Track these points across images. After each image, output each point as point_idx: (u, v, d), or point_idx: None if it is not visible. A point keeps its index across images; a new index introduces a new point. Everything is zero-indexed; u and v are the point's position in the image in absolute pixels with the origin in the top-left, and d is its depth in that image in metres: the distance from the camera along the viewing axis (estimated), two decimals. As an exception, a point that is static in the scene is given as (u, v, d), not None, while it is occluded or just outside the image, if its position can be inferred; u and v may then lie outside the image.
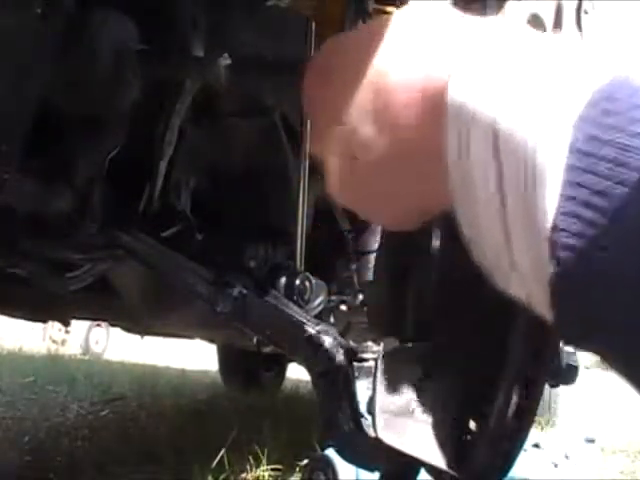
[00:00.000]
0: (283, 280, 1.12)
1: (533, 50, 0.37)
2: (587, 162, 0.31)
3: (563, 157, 0.32)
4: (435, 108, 0.37)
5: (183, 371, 5.70)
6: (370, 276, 1.59)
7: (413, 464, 0.76)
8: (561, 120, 0.33)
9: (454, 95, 0.36)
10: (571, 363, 2.06)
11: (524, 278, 0.34)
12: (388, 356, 0.69)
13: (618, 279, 0.30)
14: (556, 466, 2.49)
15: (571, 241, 0.31)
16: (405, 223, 0.47)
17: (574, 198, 0.31)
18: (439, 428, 0.64)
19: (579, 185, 0.31)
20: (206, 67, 0.98)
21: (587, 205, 0.31)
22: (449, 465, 0.67)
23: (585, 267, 0.31)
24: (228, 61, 0.96)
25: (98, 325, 8.41)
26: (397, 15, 0.43)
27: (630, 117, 0.32)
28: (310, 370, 1.03)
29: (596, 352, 0.33)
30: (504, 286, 0.37)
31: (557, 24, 1.41)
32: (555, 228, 0.32)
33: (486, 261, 0.38)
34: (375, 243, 1.61)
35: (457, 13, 0.43)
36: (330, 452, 1.72)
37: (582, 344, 0.34)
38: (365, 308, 1.45)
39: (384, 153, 0.41)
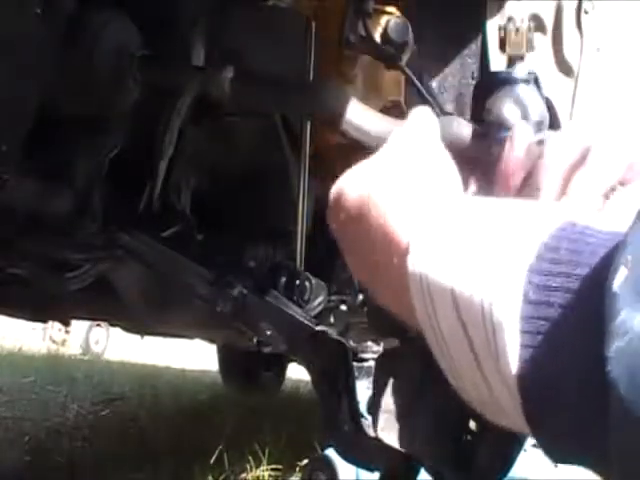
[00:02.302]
0: (283, 280, 1.12)
1: (483, 215, 0.41)
2: (539, 310, 0.35)
3: (518, 309, 0.35)
4: (401, 265, 0.42)
5: (183, 371, 5.70)
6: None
7: (413, 464, 0.76)
8: (512, 275, 0.36)
9: (414, 266, 0.41)
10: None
11: (509, 415, 0.38)
12: (388, 356, 0.69)
13: (578, 421, 0.34)
14: (556, 466, 2.50)
15: (533, 385, 0.35)
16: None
17: (531, 346, 0.35)
18: (439, 428, 0.64)
19: (535, 333, 0.35)
20: (209, 79, 0.98)
21: (543, 350, 0.35)
22: (449, 465, 0.67)
23: (547, 406, 0.35)
24: (231, 74, 0.95)
25: (98, 325, 8.40)
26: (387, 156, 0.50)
27: (574, 263, 0.35)
28: (310, 370, 1.03)
29: (583, 466, 0.36)
30: (496, 421, 0.41)
31: (557, 24, 1.41)
32: (519, 376, 0.35)
33: (472, 400, 0.41)
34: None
35: (436, 159, 0.49)
36: (330, 452, 1.72)
37: (566, 463, 0.37)
38: (365, 308, 1.45)
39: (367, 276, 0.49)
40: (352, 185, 0.49)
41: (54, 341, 8.79)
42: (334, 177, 0.51)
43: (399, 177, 0.47)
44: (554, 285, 0.35)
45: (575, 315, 0.34)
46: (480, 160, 0.54)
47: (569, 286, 0.34)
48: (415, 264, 0.41)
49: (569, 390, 0.34)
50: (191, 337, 2.43)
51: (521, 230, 0.38)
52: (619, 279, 0.31)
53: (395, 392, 0.68)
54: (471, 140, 0.50)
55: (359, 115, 0.87)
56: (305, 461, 2.11)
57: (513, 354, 0.35)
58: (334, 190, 0.51)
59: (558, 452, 0.36)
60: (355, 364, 1.00)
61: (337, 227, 0.51)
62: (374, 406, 0.70)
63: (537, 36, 1.40)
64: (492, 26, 1.32)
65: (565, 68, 1.42)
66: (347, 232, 0.49)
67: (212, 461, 2.13)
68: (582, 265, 0.35)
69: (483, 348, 0.37)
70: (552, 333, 0.34)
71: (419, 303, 0.41)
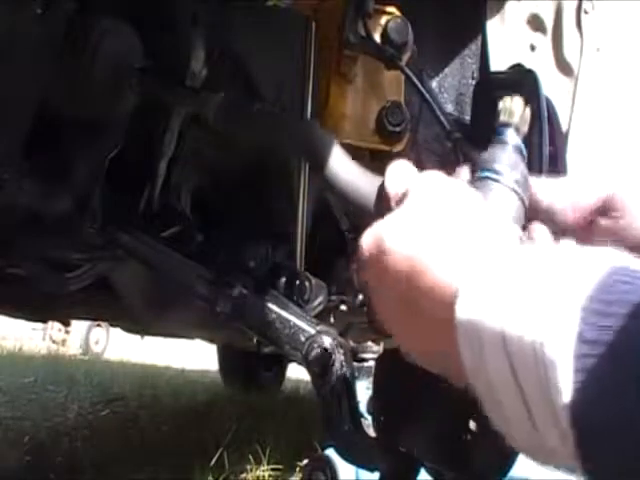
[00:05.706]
0: (283, 280, 1.12)
1: (533, 257, 0.42)
2: (593, 349, 0.35)
3: (571, 347, 0.36)
4: (447, 316, 0.42)
5: (183, 371, 5.70)
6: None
7: (413, 464, 0.76)
8: (564, 316, 0.37)
9: (463, 311, 0.41)
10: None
11: (560, 458, 0.38)
12: (388, 356, 0.69)
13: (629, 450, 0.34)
14: (556, 466, 2.49)
15: (587, 424, 0.35)
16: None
17: (585, 384, 0.35)
18: (439, 428, 0.64)
19: (589, 371, 0.36)
20: (200, 101, 0.99)
21: (597, 389, 0.35)
22: (449, 465, 0.67)
23: (601, 445, 0.35)
24: (220, 100, 0.96)
25: (98, 325, 8.41)
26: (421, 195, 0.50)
27: (626, 302, 0.36)
28: (310, 370, 1.03)
29: None
30: (546, 465, 0.41)
31: (557, 24, 1.41)
32: (573, 414, 0.36)
33: (521, 446, 0.42)
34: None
35: (470, 198, 0.49)
36: (330, 452, 1.72)
37: None
38: (365, 308, 1.45)
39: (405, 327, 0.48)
40: (396, 240, 0.48)
41: (54, 341, 8.80)
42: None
43: (443, 228, 0.47)
44: (608, 325, 0.35)
45: (628, 355, 0.35)
46: None
47: (622, 324, 0.35)
48: (465, 309, 0.41)
49: (623, 429, 0.34)
50: (191, 337, 2.43)
51: (570, 272, 0.39)
52: None
53: (395, 392, 0.68)
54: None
55: (344, 165, 0.84)
56: (305, 461, 2.10)
57: (567, 392, 0.36)
58: (370, 240, 0.51)
59: None
60: (355, 364, 1.00)
61: (376, 280, 0.50)
62: (374, 406, 0.70)
63: (537, 36, 1.40)
64: (492, 26, 1.32)
65: (565, 68, 1.42)
66: (391, 288, 0.48)
67: (212, 461, 2.13)
68: (635, 305, 0.35)
69: (534, 391, 0.38)
70: (604, 372, 0.35)
71: (467, 351, 0.41)
